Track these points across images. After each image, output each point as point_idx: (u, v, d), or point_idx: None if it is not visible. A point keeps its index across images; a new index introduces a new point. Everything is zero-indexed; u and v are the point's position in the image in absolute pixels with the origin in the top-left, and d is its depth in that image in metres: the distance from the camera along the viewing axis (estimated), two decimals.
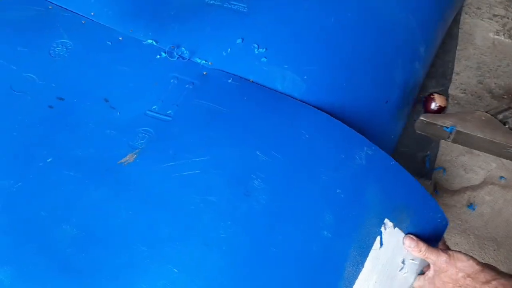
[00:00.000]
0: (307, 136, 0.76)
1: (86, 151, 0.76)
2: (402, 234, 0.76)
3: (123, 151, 0.75)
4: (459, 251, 0.76)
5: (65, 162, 0.74)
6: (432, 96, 0.88)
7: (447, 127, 0.85)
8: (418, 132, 0.90)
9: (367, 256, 0.72)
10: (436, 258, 0.75)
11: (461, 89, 1.32)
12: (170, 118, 0.79)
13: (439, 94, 0.92)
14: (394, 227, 0.75)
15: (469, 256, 0.76)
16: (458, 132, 0.85)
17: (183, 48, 0.88)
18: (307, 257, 0.69)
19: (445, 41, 1.35)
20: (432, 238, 0.79)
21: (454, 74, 1.33)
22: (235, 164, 0.72)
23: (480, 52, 1.37)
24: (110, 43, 0.90)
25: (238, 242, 0.67)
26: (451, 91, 1.31)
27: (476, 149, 0.96)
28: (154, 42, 0.89)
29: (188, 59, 0.87)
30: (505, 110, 0.88)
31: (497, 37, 1.40)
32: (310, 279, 0.68)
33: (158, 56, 0.88)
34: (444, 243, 0.86)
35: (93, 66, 0.87)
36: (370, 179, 0.76)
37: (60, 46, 0.89)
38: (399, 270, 0.77)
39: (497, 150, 0.86)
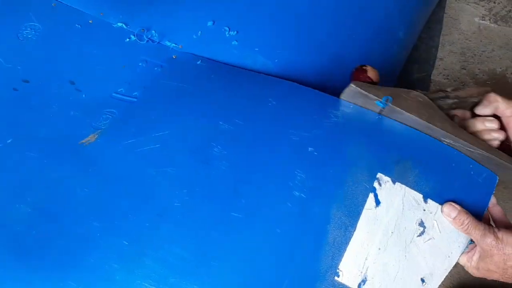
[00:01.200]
0: (274, 103, 0.74)
1: (48, 132, 0.76)
2: (412, 191, 0.66)
3: (86, 132, 0.75)
4: None
5: (25, 143, 0.74)
6: (364, 68, 0.76)
7: (380, 101, 0.70)
8: (344, 99, 0.74)
9: (358, 217, 0.65)
10: (481, 239, 0.62)
11: (444, 75, 1.30)
12: (136, 100, 0.78)
13: (372, 67, 0.82)
14: (394, 182, 0.67)
15: None
16: (391, 108, 0.70)
17: (153, 31, 0.86)
18: (278, 221, 0.65)
19: (429, 26, 1.33)
20: (473, 204, 0.67)
21: (437, 60, 1.31)
22: (196, 134, 0.71)
23: (465, 37, 1.35)
24: (79, 26, 0.89)
25: (194, 210, 0.65)
26: (434, 76, 1.29)
27: None
28: (124, 25, 0.88)
29: (158, 42, 0.86)
30: (440, 97, 0.75)
31: (482, 22, 1.38)
32: (284, 244, 0.65)
33: (128, 39, 0.87)
34: (502, 213, 0.70)
35: (61, 49, 0.86)
36: (350, 135, 0.71)
37: (29, 29, 0.88)
38: (418, 235, 0.66)
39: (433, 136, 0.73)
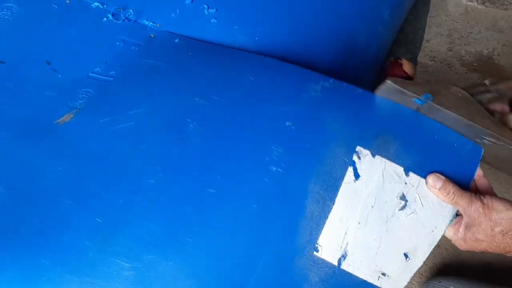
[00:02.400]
0: (251, 78, 0.72)
1: (22, 113, 0.74)
2: (392, 164, 0.65)
3: (62, 112, 0.74)
4: (500, 198, 0.62)
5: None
6: (400, 61, 0.69)
7: (418, 99, 0.66)
8: (379, 95, 0.70)
9: (336, 191, 0.64)
10: (467, 206, 0.61)
11: (430, 57, 1.29)
12: (112, 79, 0.77)
13: (408, 60, 0.76)
14: (374, 155, 0.65)
15: (511, 203, 0.61)
16: (430, 106, 0.67)
17: (131, 10, 0.85)
18: (254, 196, 0.64)
19: (417, 7, 1.32)
20: (458, 176, 0.66)
21: (424, 41, 1.30)
22: (171, 111, 0.69)
23: (452, 18, 1.34)
24: (57, 6, 0.87)
25: (168, 187, 0.64)
26: (420, 58, 1.28)
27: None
28: (100, 5, 0.86)
29: (135, 21, 0.84)
30: (481, 92, 0.71)
31: (470, 3, 1.37)
32: (260, 219, 0.64)
33: (105, 19, 0.85)
34: (488, 185, 0.68)
35: (37, 30, 0.85)
36: (329, 109, 0.69)
37: (5, 10, 0.86)
38: (400, 209, 0.65)
39: (472, 136, 0.68)
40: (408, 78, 0.76)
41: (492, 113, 0.70)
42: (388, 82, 0.68)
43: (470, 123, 0.66)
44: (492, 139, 0.68)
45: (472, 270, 1.20)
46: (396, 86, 0.67)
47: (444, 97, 0.68)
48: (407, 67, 0.71)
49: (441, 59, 1.28)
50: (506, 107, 0.70)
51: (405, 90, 0.67)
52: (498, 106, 0.71)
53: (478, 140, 0.68)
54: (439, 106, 0.67)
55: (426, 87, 0.67)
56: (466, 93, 0.69)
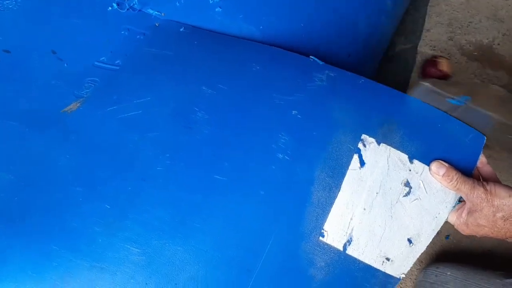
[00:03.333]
0: (258, 67, 0.73)
1: (30, 102, 0.75)
2: (397, 152, 0.66)
3: (68, 101, 0.75)
4: (503, 184, 0.63)
5: (7, 113, 0.73)
6: (435, 59, 0.66)
7: (455, 99, 0.66)
8: (414, 97, 0.69)
9: (342, 178, 0.66)
10: (470, 192, 0.62)
11: (430, 46, 1.30)
12: (118, 68, 0.77)
13: (446, 58, 0.73)
14: (379, 143, 0.67)
15: None
16: (467, 107, 0.66)
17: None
18: (262, 183, 0.65)
19: None
20: (461, 164, 0.67)
21: (424, 31, 1.31)
22: (178, 100, 0.70)
23: (452, 8, 1.35)
24: None
25: (177, 174, 0.65)
26: (421, 48, 1.29)
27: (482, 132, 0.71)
28: None
29: (140, 10, 0.84)
30: None
31: None
32: (267, 206, 0.65)
33: (110, 8, 0.85)
34: (493, 172, 0.69)
35: (42, 19, 0.85)
36: (334, 98, 0.70)
37: None
38: (404, 196, 0.66)
39: (508, 137, 0.68)
40: (446, 77, 0.72)
41: None
42: (424, 83, 0.67)
43: (506, 122, 0.66)
44: None
45: (471, 257, 1.21)
46: (433, 87, 0.67)
47: (482, 97, 0.67)
48: (444, 65, 0.68)
49: (441, 48, 1.28)
50: None
51: (443, 92, 0.66)
52: None
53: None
54: (475, 107, 0.66)
55: (463, 88, 0.66)
56: (506, 92, 0.68)
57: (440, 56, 0.74)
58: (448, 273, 1.07)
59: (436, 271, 1.10)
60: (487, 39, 1.32)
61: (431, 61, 0.67)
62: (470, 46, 1.31)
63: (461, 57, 1.28)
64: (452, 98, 0.66)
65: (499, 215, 0.61)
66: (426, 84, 0.66)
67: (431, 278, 1.09)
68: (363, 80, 0.72)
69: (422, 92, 0.68)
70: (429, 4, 1.34)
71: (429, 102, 0.69)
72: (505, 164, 1.26)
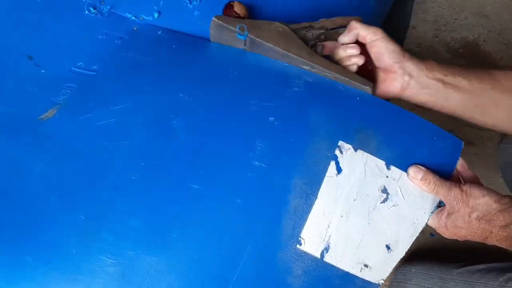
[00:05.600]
0: (235, 73, 0.72)
1: (5, 108, 0.74)
2: (374, 158, 0.66)
3: (44, 107, 0.74)
4: (479, 185, 0.64)
5: None
6: (231, 3, 0.74)
7: (241, 34, 0.72)
8: (213, 41, 0.77)
9: (319, 185, 0.65)
10: (447, 194, 0.63)
11: (416, 43, 1.29)
12: (95, 73, 0.76)
13: (239, 2, 0.80)
14: (356, 149, 0.66)
15: (488, 190, 0.63)
16: (252, 40, 0.73)
17: (113, 3, 0.84)
18: (238, 191, 0.65)
19: None
20: (439, 169, 0.67)
21: (410, 28, 1.30)
22: (154, 107, 0.70)
23: (438, 5, 1.34)
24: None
25: (152, 183, 0.65)
26: (406, 45, 1.28)
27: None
28: None
29: (118, 14, 0.83)
30: (306, 28, 0.76)
31: None
32: (244, 214, 0.64)
33: (87, 12, 0.84)
34: (475, 176, 0.69)
35: (19, 24, 0.84)
36: (311, 104, 0.69)
37: None
38: (381, 202, 0.66)
39: (292, 65, 0.75)
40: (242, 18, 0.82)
41: (313, 46, 0.76)
42: (214, 19, 0.74)
43: (286, 53, 0.72)
44: (308, 67, 0.72)
45: (455, 254, 1.22)
46: (220, 22, 0.73)
47: (264, 32, 0.73)
48: (238, 7, 0.75)
49: (427, 45, 1.28)
50: (338, 44, 0.73)
51: (227, 25, 0.73)
52: (330, 43, 0.76)
53: (299, 67, 0.74)
54: (259, 40, 0.72)
55: (247, 23, 0.73)
56: (286, 27, 0.74)
57: (234, 1, 0.81)
58: (413, 270, 1.11)
59: (404, 270, 1.13)
60: (473, 35, 1.32)
61: (228, 5, 0.75)
62: (455, 43, 1.30)
63: (446, 54, 1.28)
64: (240, 34, 0.72)
65: (474, 215, 0.62)
66: (217, 20, 0.73)
67: (399, 277, 1.13)
68: (341, 86, 0.72)
69: (215, 28, 0.74)
70: (416, 1, 1.34)
71: (225, 38, 0.75)
72: (491, 161, 1.26)
